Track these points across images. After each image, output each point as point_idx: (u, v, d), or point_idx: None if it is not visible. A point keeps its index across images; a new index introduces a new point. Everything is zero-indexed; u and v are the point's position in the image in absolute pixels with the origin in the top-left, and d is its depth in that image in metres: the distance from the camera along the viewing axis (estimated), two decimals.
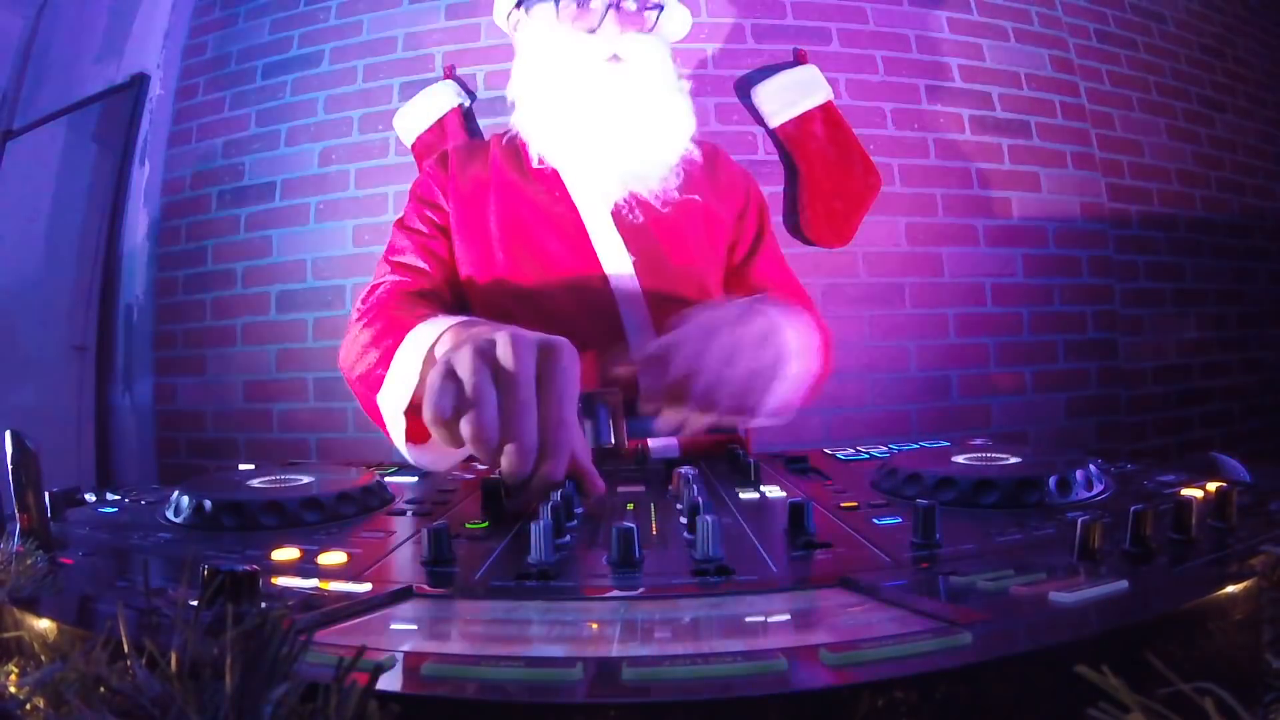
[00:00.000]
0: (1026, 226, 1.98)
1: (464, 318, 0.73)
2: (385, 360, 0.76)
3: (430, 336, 0.71)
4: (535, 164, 1.00)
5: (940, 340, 1.92)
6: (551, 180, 1.00)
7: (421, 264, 0.99)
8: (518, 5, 1.02)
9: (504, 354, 0.54)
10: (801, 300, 1.07)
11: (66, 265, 2.19)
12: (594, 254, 0.99)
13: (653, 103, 0.96)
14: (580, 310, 0.96)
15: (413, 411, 0.71)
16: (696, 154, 1.03)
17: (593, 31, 0.95)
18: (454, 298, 1.00)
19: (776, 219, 1.85)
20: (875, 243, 1.91)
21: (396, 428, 0.73)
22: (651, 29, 0.98)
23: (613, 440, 0.76)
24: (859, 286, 1.90)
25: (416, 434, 0.72)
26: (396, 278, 0.98)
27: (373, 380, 0.78)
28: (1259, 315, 2.26)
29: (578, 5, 0.96)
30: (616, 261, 0.98)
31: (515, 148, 1.03)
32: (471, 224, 1.01)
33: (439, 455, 0.73)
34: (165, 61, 2.12)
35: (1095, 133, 2.06)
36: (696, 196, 1.02)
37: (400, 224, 1.04)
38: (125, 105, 2.12)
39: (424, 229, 1.02)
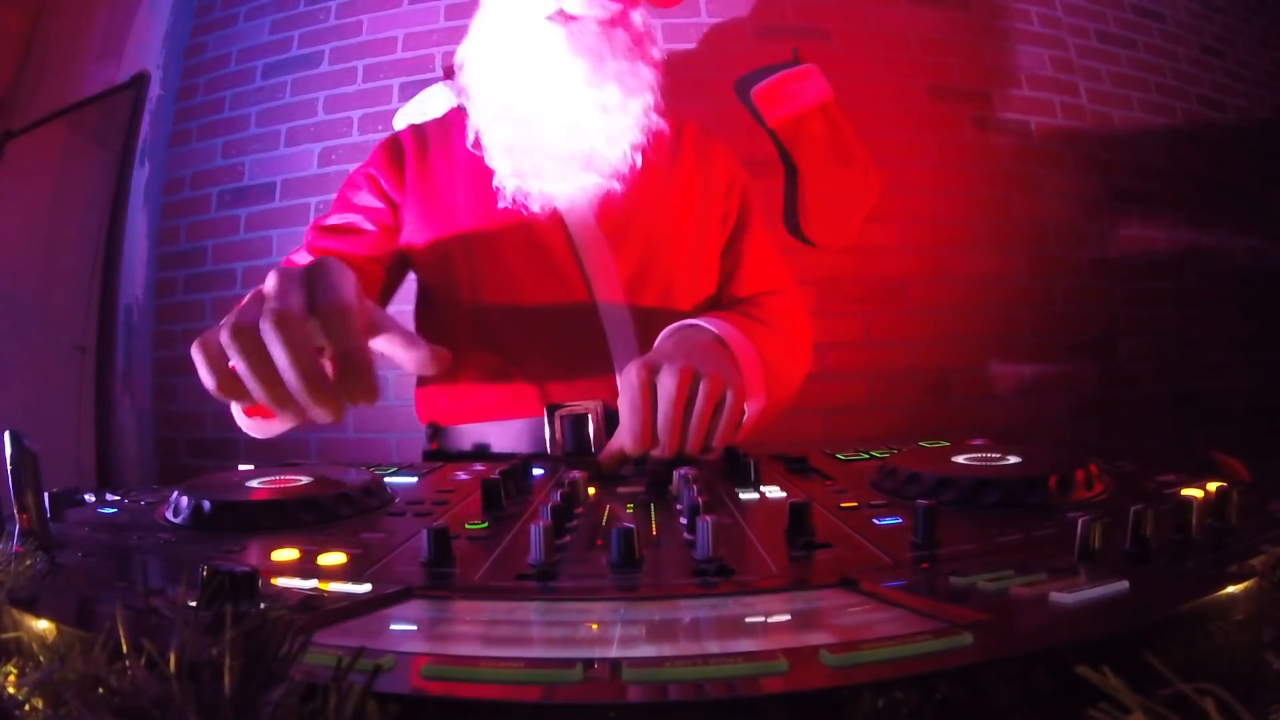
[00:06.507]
0: (1026, 226, 1.98)
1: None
2: None
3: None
4: (469, 144, 0.91)
5: (940, 340, 1.91)
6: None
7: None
8: None
9: (271, 291, 0.48)
10: (785, 287, 1.02)
11: (66, 265, 2.19)
12: (566, 249, 0.90)
13: (605, 69, 0.86)
14: (556, 312, 0.90)
15: None
16: (664, 126, 0.93)
17: None
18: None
19: (775, 218, 1.85)
20: (875, 243, 1.91)
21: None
22: None
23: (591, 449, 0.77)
24: (859, 286, 1.90)
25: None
26: None
27: None
28: (1259, 315, 2.25)
29: None
30: (593, 261, 0.90)
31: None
32: (438, 220, 0.92)
33: (266, 423, 0.73)
34: (165, 61, 2.12)
35: (1095, 132, 2.06)
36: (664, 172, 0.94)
37: (314, 225, 0.95)
38: (125, 105, 2.11)
39: (339, 228, 0.93)
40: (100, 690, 0.23)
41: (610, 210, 0.91)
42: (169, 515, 0.53)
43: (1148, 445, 2.03)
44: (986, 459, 0.55)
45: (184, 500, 0.52)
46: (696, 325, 0.81)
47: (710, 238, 1.00)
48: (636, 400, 0.66)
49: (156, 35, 2.13)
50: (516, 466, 0.65)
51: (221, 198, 2.05)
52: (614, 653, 0.29)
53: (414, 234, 0.94)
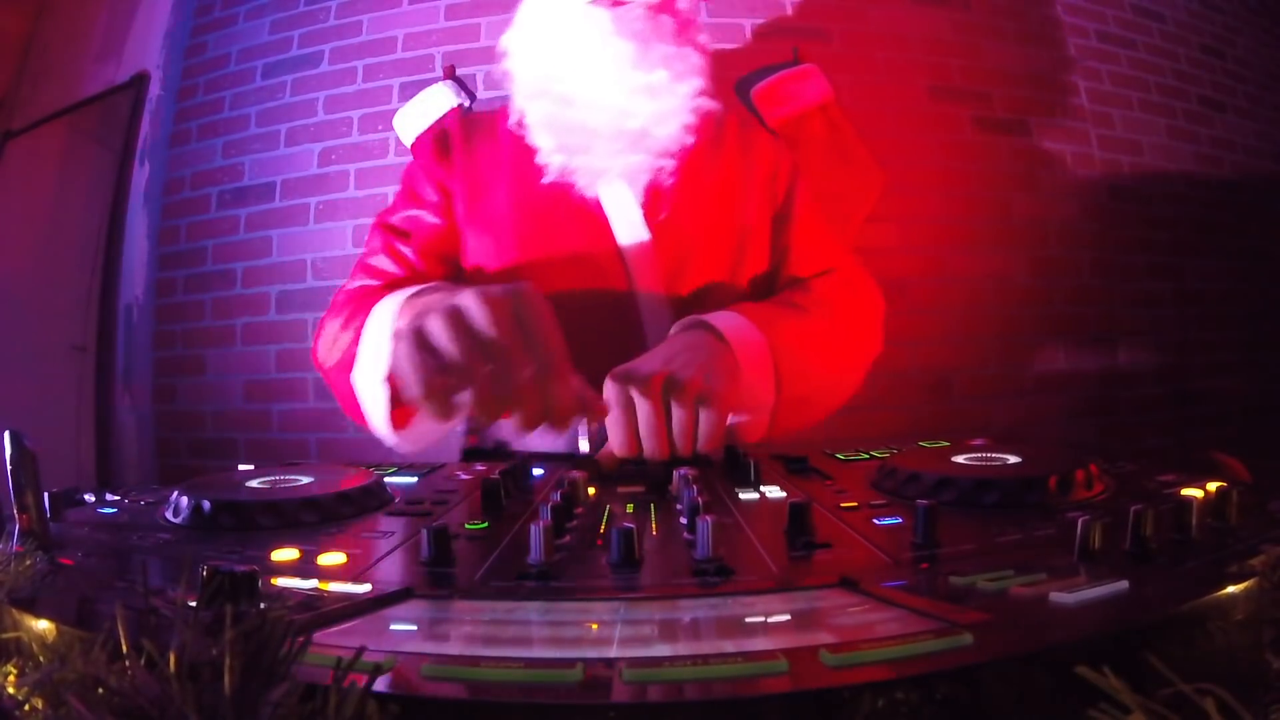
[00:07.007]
0: (1026, 226, 1.98)
1: (420, 286, 0.71)
2: (357, 339, 0.75)
3: (393, 306, 0.69)
4: (512, 124, 0.91)
5: (941, 340, 1.91)
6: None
7: (393, 269, 0.92)
8: None
9: (478, 315, 0.54)
10: (839, 265, 0.98)
11: (66, 265, 2.19)
12: (608, 237, 0.89)
13: (652, 52, 0.86)
14: (595, 302, 0.89)
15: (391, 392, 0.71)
16: (713, 108, 0.92)
17: None
18: None
19: None
20: (875, 243, 1.91)
21: (376, 405, 0.72)
22: None
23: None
24: None
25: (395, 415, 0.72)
26: (366, 281, 0.91)
27: (347, 361, 0.77)
28: (1259, 315, 2.25)
29: None
30: (634, 249, 0.89)
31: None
32: (483, 210, 0.93)
33: (421, 433, 0.73)
34: (165, 61, 2.12)
35: (1095, 133, 2.06)
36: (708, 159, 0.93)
37: (381, 223, 0.95)
38: (125, 105, 2.11)
39: (406, 229, 0.94)
40: (100, 690, 0.23)
41: (653, 200, 0.91)
42: (169, 515, 0.53)
43: (1148, 445, 2.03)
44: (986, 459, 0.55)
45: (184, 500, 0.52)
46: (699, 320, 0.80)
47: (756, 226, 0.98)
48: (616, 411, 0.66)
49: (156, 35, 2.13)
50: (516, 466, 0.65)
51: (221, 198, 2.05)
52: (614, 653, 0.29)
53: (461, 221, 0.94)
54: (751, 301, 0.89)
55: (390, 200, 1.01)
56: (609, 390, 0.67)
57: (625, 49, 0.85)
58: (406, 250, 0.93)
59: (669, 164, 0.89)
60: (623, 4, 0.86)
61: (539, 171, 0.90)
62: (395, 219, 0.95)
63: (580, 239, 0.90)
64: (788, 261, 0.98)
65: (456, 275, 0.95)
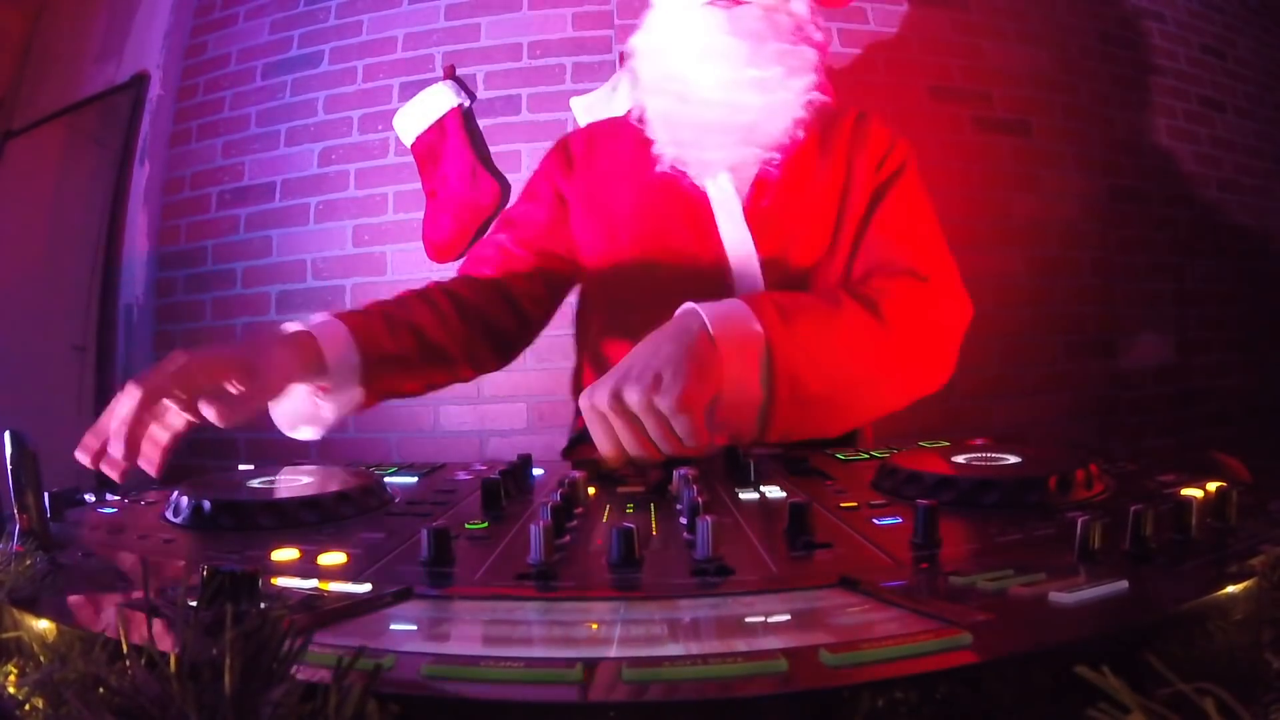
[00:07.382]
0: (1027, 226, 1.98)
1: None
2: None
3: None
4: (634, 119, 0.97)
5: None
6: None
7: (490, 252, 0.99)
8: None
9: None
10: (917, 271, 0.88)
11: (66, 265, 2.19)
12: (713, 230, 0.92)
13: (766, 50, 0.89)
14: (696, 295, 0.82)
15: None
16: (827, 102, 0.95)
17: None
18: (532, 300, 0.99)
19: None
20: None
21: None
22: None
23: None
24: None
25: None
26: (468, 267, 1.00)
27: None
28: (1259, 315, 2.25)
29: None
30: (737, 242, 0.92)
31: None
32: (600, 207, 0.99)
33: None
34: (165, 61, 2.12)
35: (1095, 133, 2.06)
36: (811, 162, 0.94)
37: (501, 216, 1.05)
38: (125, 105, 2.11)
39: (513, 219, 1.02)
40: (101, 690, 0.23)
41: (759, 194, 0.93)
42: (169, 515, 0.53)
43: (1148, 445, 2.03)
44: (986, 459, 0.55)
45: (184, 500, 0.52)
46: (690, 308, 0.75)
47: (859, 219, 0.95)
48: (593, 424, 0.66)
49: (156, 35, 2.13)
50: (516, 466, 0.65)
51: (221, 198, 2.05)
52: (614, 653, 0.29)
53: (577, 226, 1.00)
54: (780, 292, 0.84)
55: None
56: (582, 406, 0.68)
57: (740, 46, 0.89)
58: (502, 236, 1.01)
59: (776, 158, 0.92)
60: (740, 3, 0.90)
61: (654, 164, 0.94)
62: (511, 210, 1.04)
63: (686, 232, 0.94)
64: (860, 249, 0.93)
65: (548, 266, 1.00)
